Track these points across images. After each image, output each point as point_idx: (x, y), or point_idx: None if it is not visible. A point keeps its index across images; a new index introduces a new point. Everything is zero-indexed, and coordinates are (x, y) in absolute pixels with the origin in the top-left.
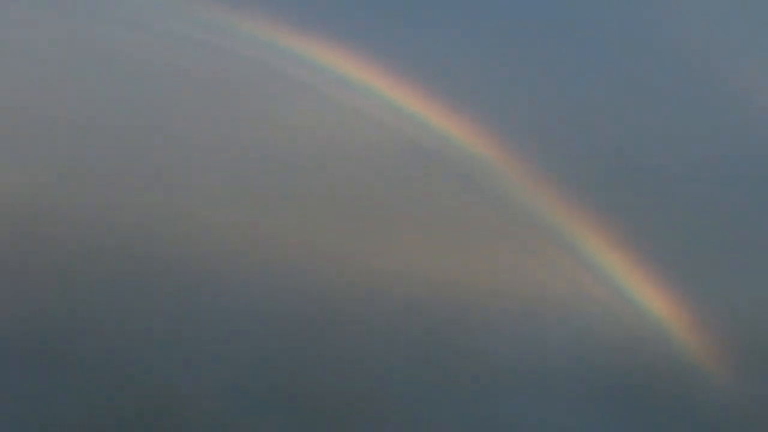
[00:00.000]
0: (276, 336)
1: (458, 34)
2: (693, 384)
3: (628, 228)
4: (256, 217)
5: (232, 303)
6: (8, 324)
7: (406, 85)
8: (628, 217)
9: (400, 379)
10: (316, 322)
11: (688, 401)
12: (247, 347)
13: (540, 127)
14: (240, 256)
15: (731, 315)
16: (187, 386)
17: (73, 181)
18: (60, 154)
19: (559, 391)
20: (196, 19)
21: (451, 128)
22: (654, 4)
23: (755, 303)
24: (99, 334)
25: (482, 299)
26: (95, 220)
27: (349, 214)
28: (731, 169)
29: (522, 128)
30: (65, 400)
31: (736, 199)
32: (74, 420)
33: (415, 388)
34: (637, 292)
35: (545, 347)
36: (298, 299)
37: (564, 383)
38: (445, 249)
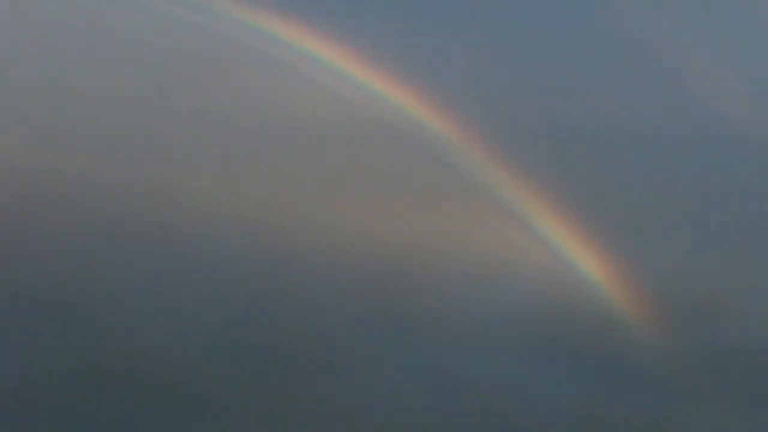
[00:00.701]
0: (248, 293)
1: (423, 20)
2: (623, 338)
3: (568, 198)
4: (233, 184)
5: (207, 264)
6: (6, 275)
7: (373, 66)
8: (569, 188)
9: (356, 330)
10: (285, 280)
11: (619, 354)
12: (222, 304)
13: (497, 107)
14: (217, 219)
15: (657, 276)
16: (165, 339)
17: (67, 144)
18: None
19: (502, 345)
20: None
21: (411, 105)
22: None
23: (678, 265)
24: (85, 291)
25: (435, 261)
26: (85, 181)
27: (318, 183)
28: (664, 147)
29: (479, 107)
30: (47, 351)
31: (667, 174)
32: (55, 368)
33: (370, 338)
34: (575, 256)
35: (490, 305)
36: (268, 258)
37: (507, 338)
38: (402, 215)
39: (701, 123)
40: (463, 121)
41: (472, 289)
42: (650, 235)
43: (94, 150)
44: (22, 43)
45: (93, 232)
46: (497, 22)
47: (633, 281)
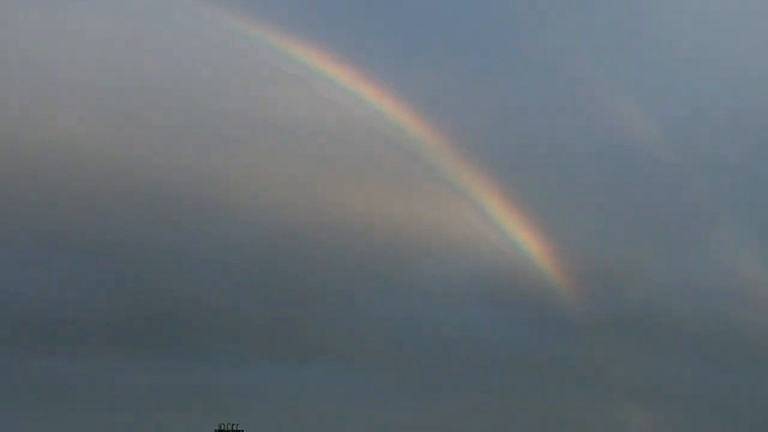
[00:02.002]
0: (272, 253)
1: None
2: (553, 297)
3: (513, 191)
4: (251, 168)
5: (239, 225)
6: (62, 227)
7: (363, 78)
8: (514, 184)
9: (349, 283)
10: (294, 242)
11: (549, 309)
12: (255, 260)
13: (464, 115)
14: (252, 197)
15: (579, 251)
16: (195, 287)
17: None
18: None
19: (461, 300)
20: (205, 21)
21: (388, 108)
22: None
23: (594, 244)
24: (120, 245)
25: (408, 235)
26: (122, 153)
27: (316, 170)
28: (591, 153)
29: (449, 122)
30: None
31: (588, 177)
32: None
33: (359, 290)
34: (517, 235)
35: (452, 270)
36: (287, 227)
37: (465, 295)
38: (383, 200)
39: (615, 139)
40: (436, 130)
41: (438, 257)
42: (574, 221)
43: (160, 140)
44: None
45: (159, 203)
46: (470, 54)
47: (561, 254)
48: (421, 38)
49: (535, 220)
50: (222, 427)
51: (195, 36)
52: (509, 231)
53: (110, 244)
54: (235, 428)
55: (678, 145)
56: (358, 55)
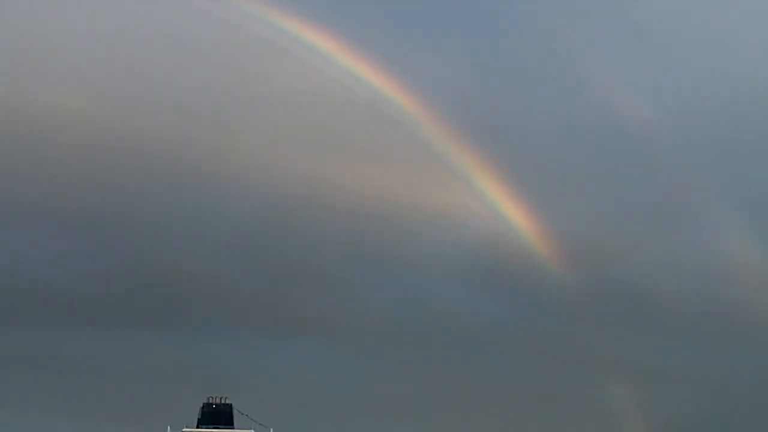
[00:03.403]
0: (272, 226)
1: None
2: (540, 273)
3: (503, 168)
4: (252, 144)
5: (229, 199)
6: (72, 202)
7: (362, 58)
8: (504, 161)
9: (343, 257)
10: (285, 217)
11: (536, 284)
12: (230, 232)
13: (456, 96)
14: (254, 170)
15: (566, 228)
16: (196, 253)
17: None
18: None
19: (451, 274)
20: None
21: (386, 88)
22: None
23: (582, 222)
24: (111, 218)
25: (401, 210)
26: (115, 126)
27: (318, 145)
28: (581, 133)
29: (444, 100)
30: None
31: (579, 155)
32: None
33: (353, 263)
34: (506, 210)
35: (442, 245)
36: (279, 202)
37: (454, 270)
38: (379, 176)
39: (604, 119)
40: (431, 107)
41: (429, 232)
42: (561, 199)
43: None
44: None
45: (151, 177)
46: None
47: (548, 231)
48: (418, 16)
49: (524, 199)
50: (210, 400)
51: (187, 8)
52: (499, 209)
53: (102, 216)
54: (223, 401)
55: (667, 125)
56: (353, 29)
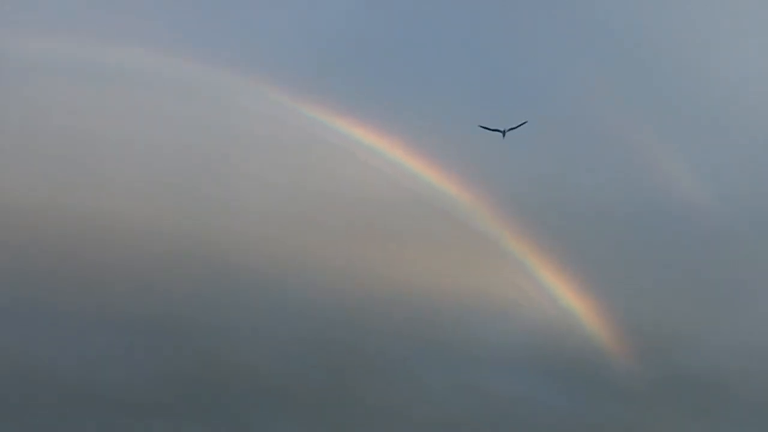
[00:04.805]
0: (312, 324)
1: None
2: (603, 361)
3: (561, 255)
4: (299, 239)
5: (289, 295)
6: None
7: (408, 152)
8: (562, 247)
9: (402, 349)
10: (351, 315)
11: (600, 373)
12: (289, 331)
13: (506, 179)
14: (307, 266)
15: (629, 315)
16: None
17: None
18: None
19: (511, 364)
20: (278, 103)
21: (436, 179)
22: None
23: (645, 307)
24: (170, 319)
25: (460, 300)
26: (174, 227)
27: (371, 237)
28: (640, 213)
29: (493, 185)
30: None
31: (640, 231)
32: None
33: (412, 355)
34: (566, 298)
35: (502, 334)
36: (343, 296)
37: (515, 360)
38: (433, 266)
39: (664, 199)
40: (480, 195)
41: (488, 322)
42: (623, 283)
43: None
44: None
45: (209, 276)
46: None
47: (611, 318)
48: (463, 105)
49: (583, 284)
50: None
51: (238, 108)
52: (558, 295)
53: (160, 318)
54: None
55: (728, 205)
56: (400, 125)
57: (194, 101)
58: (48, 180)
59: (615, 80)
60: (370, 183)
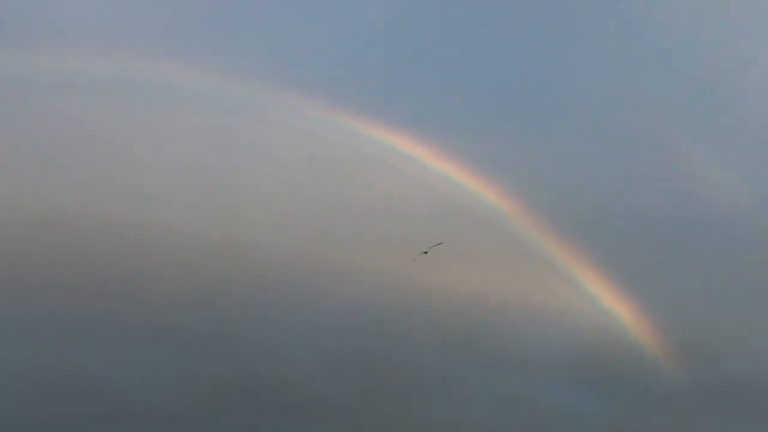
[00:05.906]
0: (354, 335)
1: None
2: (648, 369)
3: (605, 262)
4: (340, 250)
5: (320, 308)
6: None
7: (445, 159)
8: (605, 255)
9: (445, 361)
10: (392, 328)
11: (645, 381)
12: (330, 341)
13: (545, 191)
14: (346, 277)
15: (673, 322)
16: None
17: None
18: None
19: (557, 373)
20: (313, 118)
21: (476, 186)
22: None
23: (689, 315)
24: (229, 337)
25: (505, 309)
26: (213, 235)
27: (405, 251)
28: (686, 220)
29: (531, 192)
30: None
31: (687, 238)
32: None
33: (456, 367)
34: (609, 306)
35: (547, 343)
36: (371, 309)
37: (560, 368)
38: (479, 276)
39: (710, 206)
40: (517, 199)
41: (533, 333)
42: (667, 289)
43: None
44: None
45: (249, 286)
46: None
47: (656, 323)
48: (510, 116)
49: (628, 291)
50: None
51: (269, 121)
52: (602, 302)
53: (193, 331)
54: None
55: None
56: (444, 135)
57: (223, 113)
58: (81, 191)
59: (646, 83)
60: (408, 193)
